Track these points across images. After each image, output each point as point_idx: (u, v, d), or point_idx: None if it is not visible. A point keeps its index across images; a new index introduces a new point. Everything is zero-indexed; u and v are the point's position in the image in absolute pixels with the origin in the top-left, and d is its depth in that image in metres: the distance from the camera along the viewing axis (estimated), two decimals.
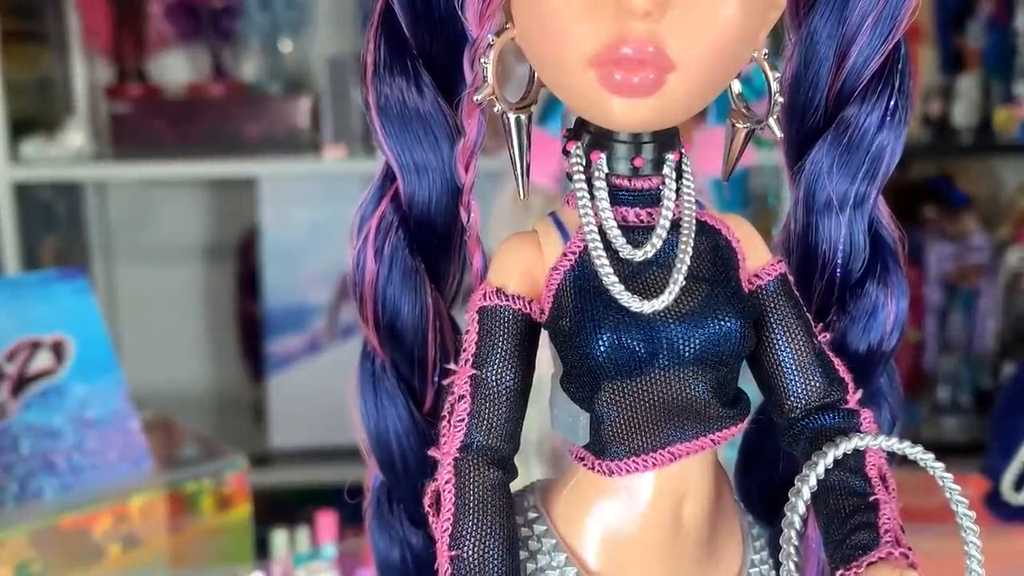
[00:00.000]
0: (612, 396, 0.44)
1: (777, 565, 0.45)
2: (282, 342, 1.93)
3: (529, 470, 0.94)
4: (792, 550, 0.44)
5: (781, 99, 0.46)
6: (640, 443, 0.44)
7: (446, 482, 0.44)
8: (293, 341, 1.94)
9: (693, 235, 0.44)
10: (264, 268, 1.92)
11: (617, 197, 0.44)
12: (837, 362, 0.47)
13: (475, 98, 0.45)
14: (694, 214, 0.45)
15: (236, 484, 0.96)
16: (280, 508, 1.32)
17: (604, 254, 0.43)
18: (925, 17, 1.98)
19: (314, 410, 1.83)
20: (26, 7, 1.91)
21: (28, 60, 1.88)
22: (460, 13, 0.45)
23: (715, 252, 0.45)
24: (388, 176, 0.50)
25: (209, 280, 2.12)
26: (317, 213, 1.89)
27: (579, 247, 0.44)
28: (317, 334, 1.94)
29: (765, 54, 0.45)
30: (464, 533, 0.43)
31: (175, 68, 2.01)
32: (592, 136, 0.45)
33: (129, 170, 1.88)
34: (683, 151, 0.46)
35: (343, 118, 1.80)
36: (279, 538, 0.97)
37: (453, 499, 0.44)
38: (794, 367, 0.46)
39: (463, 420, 0.45)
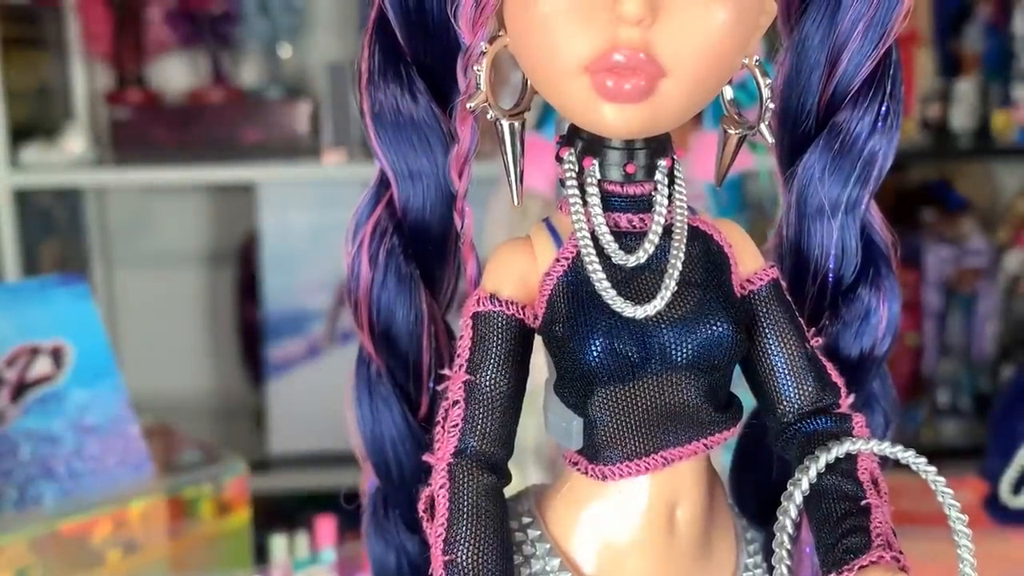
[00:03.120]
0: (605, 401, 0.44)
1: (770, 568, 0.45)
2: (282, 347, 1.93)
3: (526, 476, 0.94)
4: (784, 553, 0.44)
5: (772, 105, 0.47)
6: (633, 447, 0.44)
7: (440, 487, 0.45)
8: (293, 346, 1.94)
9: (685, 240, 0.44)
10: (264, 273, 1.92)
11: (610, 203, 0.45)
12: (830, 366, 0.47)
13: (468, 105, 0.45)
14: (686, 219, 0.45)
15: (235, 489, 0.96)
16: (279, 513, 1.32)
17: (597, 260, 0.43)
18: (923, 21, 1.98)
19: (314, 415, 1.83)
20: (26, 13, 1.91)
21: (28, 66, 1.88)
22: (453, 21, 0.45)
23: (707, 257, 0.45)
24: (383, 182, 0.50)
25: (209, 285, 2.12)
26: (317, 218, 1.89)
27: (572, 253, 0.45)
28: (317, 339, 1.94)
29: (757, 60, 0.46)
30: (458, 538, 0.44)
31: (175, 74, 2.01)
32: (585, 142, 0.45)
33: (129, 176, 1.88)
34: (675, 157, 0.46)
35: (342, 123, 1.80)
36: (278, 543, 0.98)
37: (447, 504, 0.44)
38: (787, 371, 0.47)
39: (457, 425, 0.45)
